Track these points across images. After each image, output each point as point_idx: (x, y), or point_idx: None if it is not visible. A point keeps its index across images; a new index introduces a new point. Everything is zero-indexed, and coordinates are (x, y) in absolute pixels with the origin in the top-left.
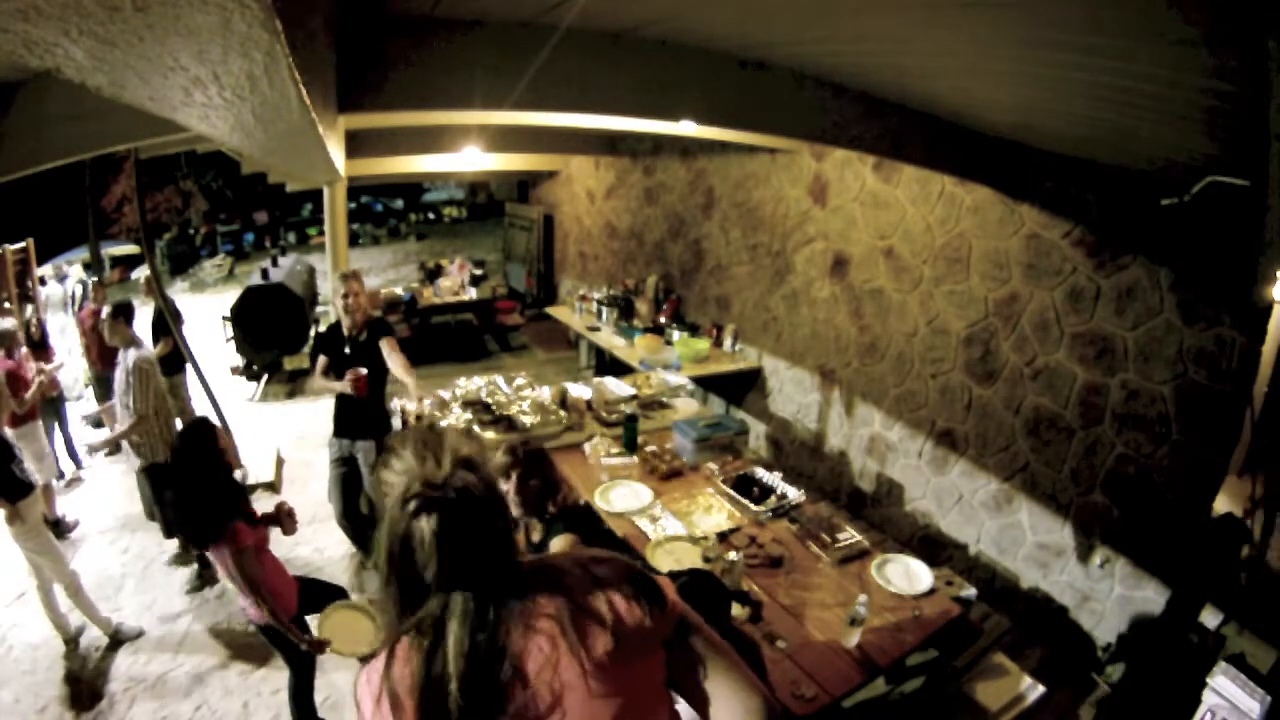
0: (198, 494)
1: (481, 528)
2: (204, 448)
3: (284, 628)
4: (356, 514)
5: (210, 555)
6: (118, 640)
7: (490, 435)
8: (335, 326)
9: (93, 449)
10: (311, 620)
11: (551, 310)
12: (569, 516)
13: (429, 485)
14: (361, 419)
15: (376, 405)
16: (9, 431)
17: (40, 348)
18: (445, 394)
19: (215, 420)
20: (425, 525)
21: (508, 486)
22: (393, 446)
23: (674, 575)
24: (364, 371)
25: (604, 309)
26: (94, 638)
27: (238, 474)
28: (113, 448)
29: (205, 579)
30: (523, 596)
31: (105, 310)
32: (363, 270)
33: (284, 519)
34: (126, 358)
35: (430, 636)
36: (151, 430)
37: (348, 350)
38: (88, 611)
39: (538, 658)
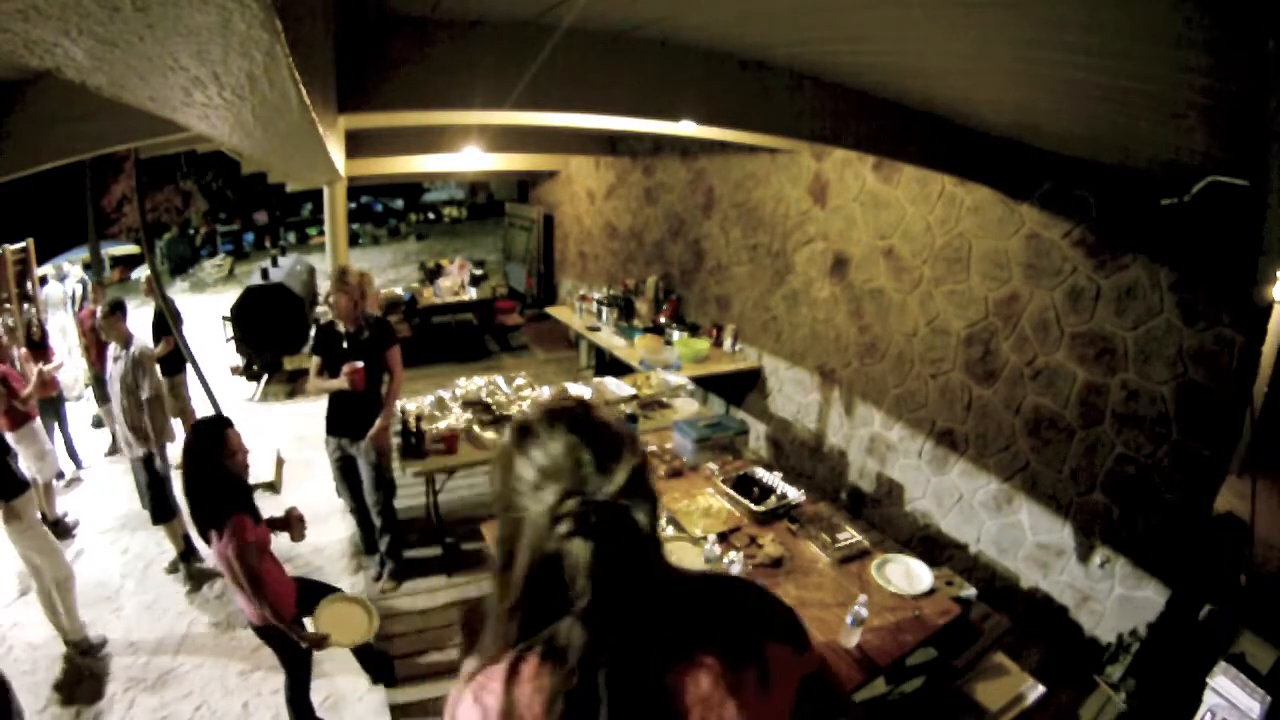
0: (199, 484)
1: (645, 551)
2: (210, 443)
3: (285, 627)
4: (365, 505)
5: (214, 553)
6: (82, 649)
7: (490, 435)
8: (329, 325)
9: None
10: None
11: (551, 310)
12: None
13: (591, 503)
14: (357, 418)
15: (374, 404)
16: (9, 435)
17: (39, 348)
18: (445, 394)
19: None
20: (581, 551)
21: None
22: (534, 428)
23: None
24: (360, 365)
25: (604, 309)
26: (95, 637)
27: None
28: (113, 446)
29: (196, 576)
30: (678, 624)
31: (100, 308)
32: (362, 270)
33: (294, 524)
34: (127, 351)
35: (572, 663)
36: (158, 416)
37: (345, 346)
38: (69, 611)
39: (695, 694)
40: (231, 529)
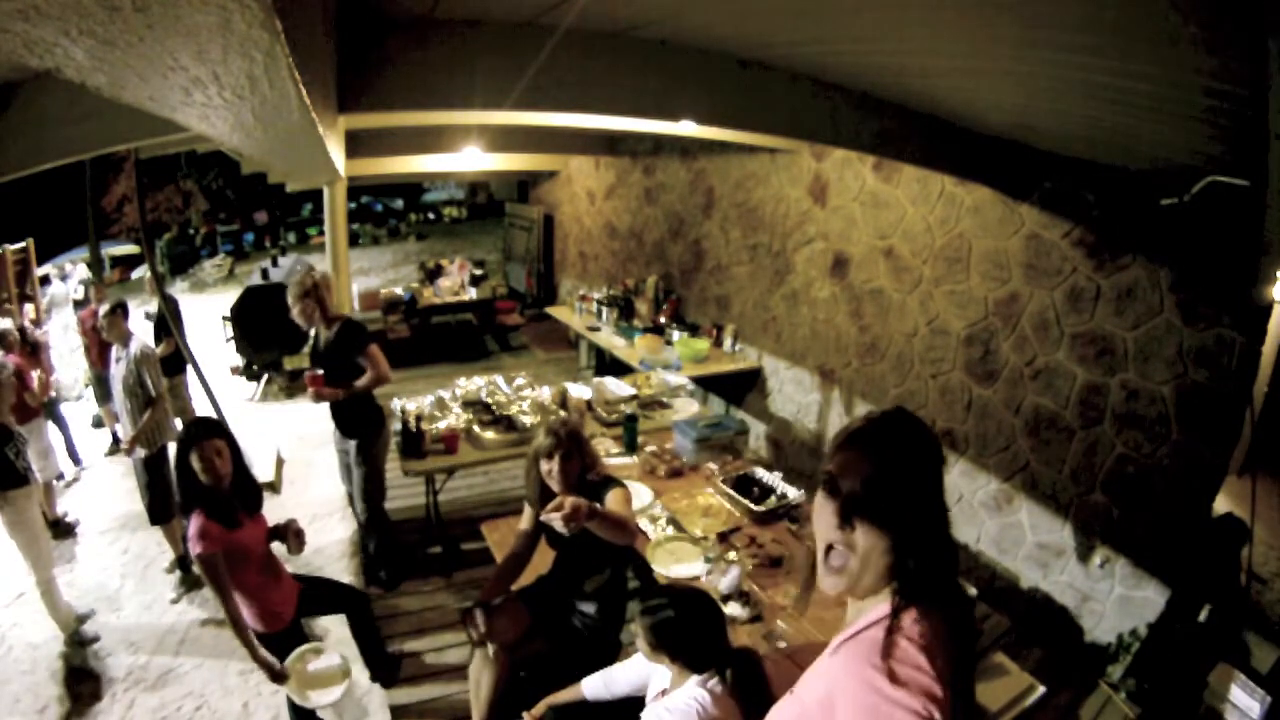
0: (179, 475)
1: None
2: (187, 444)
3: (242, 641)
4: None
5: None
6: (77, 639)
7: (490, 435)
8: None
9: (127, 451)
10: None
11: (551, 310)
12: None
13: None
14: (343, 418)
15: (353, 406)
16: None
17: (33, 351)
18: (445, 394)
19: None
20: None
21: (550, 466)
22: None
23: (672, 593)
24: (320, 372)
25: (604, 309)
26: (88, 630)
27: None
28: (113, 446)
29: (193, 582)
30: None
31: (103, 308)
32: (362, 270)
33: (290, 538)
34: (128, 351)
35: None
36: (161, 417)
37: (318, 349)
38: (52, 611)
39: None
40: (193, 531)
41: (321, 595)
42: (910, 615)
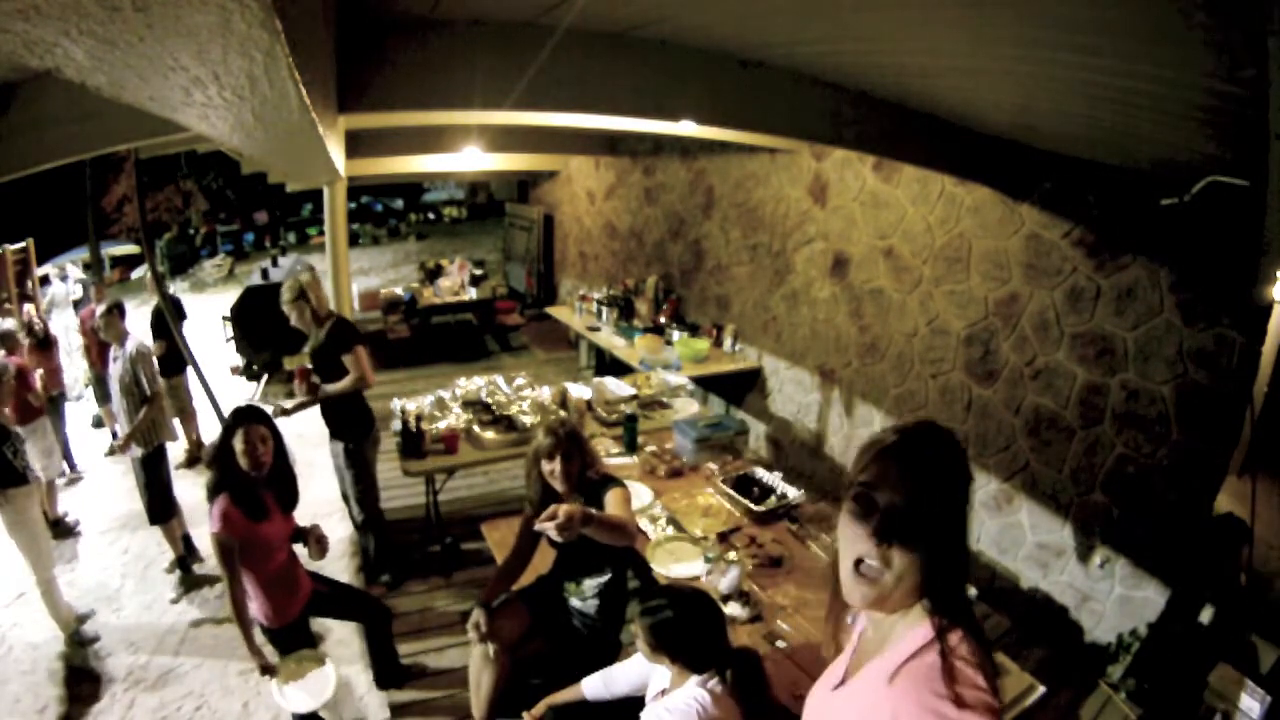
0: (217, 460)
1: None
2: (229, 430)
3: (241, 627)
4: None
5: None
6: (77, 639)
7: (490, 435)
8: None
9: (121, 449)
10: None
11: (551, 310)
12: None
13: None
14: (331, 417)
15: (342, 407)
16: (19, 429)
17: (43, 346)
18: (445, 394)
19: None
20: None
21: (552, 466)
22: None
23: (672, 593)
24: (308, 367)
25: (604, 309)
26: (88, 629)
27: None
28: (113, 446)
29: (192, 582)
30: None
31: (100, 308)
32: (362, 270)
33: (311, 543)
34: (124, 350)
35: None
36: (158, 416)
37: (310, 349)
38: (52, 611)
39: None
40: (215, 510)
41: (340, 601)
42: (956, 635)
